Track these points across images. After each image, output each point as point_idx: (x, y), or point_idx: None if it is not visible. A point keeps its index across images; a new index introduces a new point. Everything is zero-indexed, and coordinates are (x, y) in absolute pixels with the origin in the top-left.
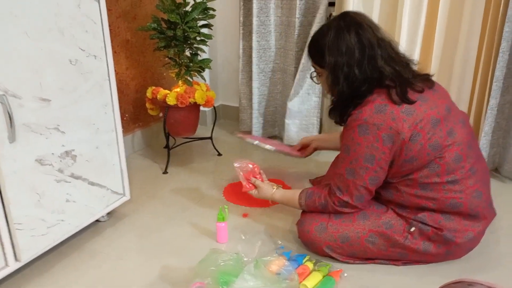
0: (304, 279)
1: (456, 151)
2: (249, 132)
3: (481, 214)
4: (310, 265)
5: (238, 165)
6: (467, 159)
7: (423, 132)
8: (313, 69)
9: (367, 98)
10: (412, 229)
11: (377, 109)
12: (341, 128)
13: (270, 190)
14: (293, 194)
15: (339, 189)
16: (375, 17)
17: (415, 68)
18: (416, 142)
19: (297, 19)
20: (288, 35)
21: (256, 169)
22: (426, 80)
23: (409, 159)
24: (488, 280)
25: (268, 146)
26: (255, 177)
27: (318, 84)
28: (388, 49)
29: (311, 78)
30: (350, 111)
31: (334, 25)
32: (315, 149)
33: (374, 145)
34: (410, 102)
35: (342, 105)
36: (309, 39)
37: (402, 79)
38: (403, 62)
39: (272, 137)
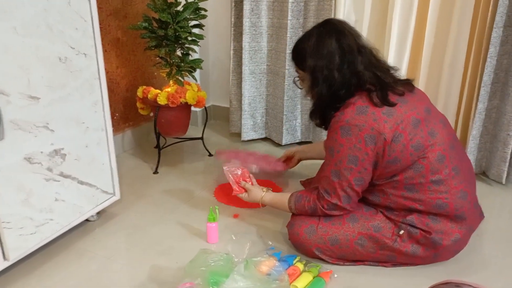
0: (294, 280)
1: (439, 151)
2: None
3: (466, 215)
4: (300, 266)
5: (227, 169)
6: (450, 159)
7: (405, 133)
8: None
9: (349, 100)
10: (401, 232)
11: (358, 111)
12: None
13: (259, 193)
14: (283, 198)
15: (327, 192)
16: (365, 23)
17: (396, 74)
18: (399, 143)
19: (289, 21)
20: (280, 37)
21: (246, 173)
22: (406, 84)
23: (392, 159)
24: (475, 281)
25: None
26: (245, 181)
27: (301, 88)
28: (369, 55)
29: (294, 82)
30: (332, 114)
31: (316, 31)
32: (299, 161)
33: (357, 146)
34: (391, 104)
35: (322, 107)
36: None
37: (382, 83)
38: (384, 68)
39: (263, 139)
